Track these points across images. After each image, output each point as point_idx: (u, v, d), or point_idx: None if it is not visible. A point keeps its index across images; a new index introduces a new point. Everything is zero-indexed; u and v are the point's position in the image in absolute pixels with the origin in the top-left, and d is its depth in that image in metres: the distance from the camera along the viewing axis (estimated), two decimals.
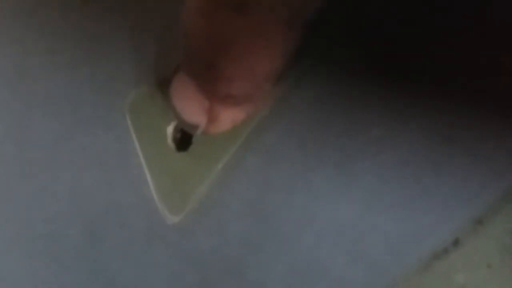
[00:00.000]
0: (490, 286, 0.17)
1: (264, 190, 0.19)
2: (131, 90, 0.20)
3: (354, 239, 0.18)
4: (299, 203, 0.19)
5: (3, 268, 0.20)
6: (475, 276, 0.17)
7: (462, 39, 0.17)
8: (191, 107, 0.17)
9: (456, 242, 0.17)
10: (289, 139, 0.19)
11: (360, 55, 0.18)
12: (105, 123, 0.20)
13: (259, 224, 0.19)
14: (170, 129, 0.20)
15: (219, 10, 0.15)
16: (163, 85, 0.20)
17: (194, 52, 0.16)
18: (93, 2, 0.20)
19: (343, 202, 0.18)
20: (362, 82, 0.18)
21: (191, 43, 0.16)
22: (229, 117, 0.18)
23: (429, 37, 0.17)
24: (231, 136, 0.19)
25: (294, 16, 0.15)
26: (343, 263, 0.18)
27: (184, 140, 0.20)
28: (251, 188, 0.19)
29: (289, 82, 0.19)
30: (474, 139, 0.17)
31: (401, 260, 0.18)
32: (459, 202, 0.17)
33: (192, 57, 0.16)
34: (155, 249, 0.20)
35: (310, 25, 0.16)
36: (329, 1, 0.17)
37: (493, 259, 0.17)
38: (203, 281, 0.19)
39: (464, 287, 0.17)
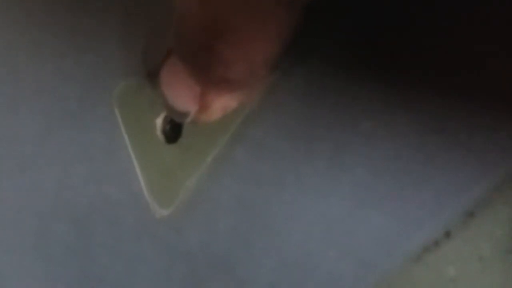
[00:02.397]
0: (481, 278, 0.17)
1: (254, 184, 0.19)
2: (119, 82, 0.20)
3: (344, 233, 0.18)
4: (288, 197, 0.18)
5: None
6: (466, 269, 0.17)
7: (453, 33, 0.17)
8: (181, 93, 0.17)
9: (447, 235, 0.17)
10: (279, 132, 0.18)
11: (349, 47, 0.18)
12: (92, 116, 0.20)
13: (249, 219, 0.19)
14: (159, 121, 0.20)
15: None
16: (151, 76, 0.20)
17: (189, 35, 0.16)
18: None
19: (333, 195, 0.18)
20: (352, 75, 0.18)
21: (186, 25, 0.15)
22: (220, 105, 0.17)
23: (420, 30, 0.17)
24: (220, 128, 0.19)
25: None
26: (333, 257, 0.18)
27: (173, 132, 0.20)
28: (240, 181, 0.19)
29: (278, 75, 0.18)
30: (465, 132, 0.17)
31: (391, 253, 0.18)
32: (450, 194, 0.17)
33: (186, 40, 0.16)
34: (144, 244, 0.20)
35: (307, 11, 0.15)
36: None
37: (484, 252, 0.17)
38: (192, 276, 0.19)
39: (455, 279, 0.17)
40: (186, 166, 0.19)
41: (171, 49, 0.17)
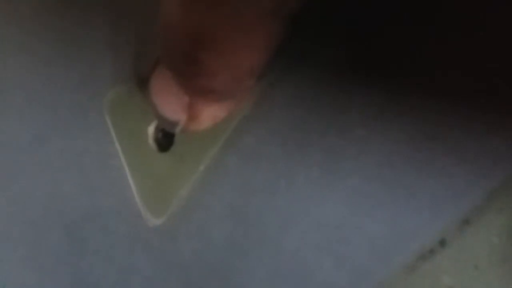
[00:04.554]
0: (477, 287, 0.17)
1: (247, 192, 0.19)
2: (110, 90, 0.20)
3: (339, 241, 0.18)
4: (282, 205, 0.18)
5: None
6: (462, 277, 0.17)
7: (446, 40, 0.17)
8: (170, 103, 0.17)
9: (442, 243, 0.17)
10: (271, 140, 0.18)
11: (342, 54, 0.18)
12: (84, 124, 0.20)
13: (242, 227, 0.19)
14: (151, 129, 0.20)
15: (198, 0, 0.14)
16: (142, 84, 0.19)
17: (173, 45, 0.15)
18: (69, 1, 0.20)
19: (327, 203, 0.18)
20: (344, 82, 0.17)
21: (170, 36, 0.15)
22: (209, 114, 0.17)
23: (413, 37, 0.17)
24: (212, 136, 0.19)
25: (277, 7, 0.14)
26: (327, 266, 0.18)
27: (165, 140, 0.20)
28: (233, 189, 0.19)
29: (271, 81, 0.18)
30: (459, 139, 0.17)
31: (387, 262, 0.18)
32: (445, 202, 0.17)
33: (171, 51, 0.16)
34: (137, 253, 0.19)
35: (294, 19, 0.15)
36: None
37: (480, 260, 0.17)
38: (186, 285, 0.19)
39: None
40: (179, 174, 0.19)
41: (159, 58, 0.17)
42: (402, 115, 0.17)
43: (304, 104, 0.18)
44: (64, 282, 0.20)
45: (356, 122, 0.18)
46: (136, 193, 0.20)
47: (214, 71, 0.15)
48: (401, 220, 0.17)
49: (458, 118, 0.17)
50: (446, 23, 0.17)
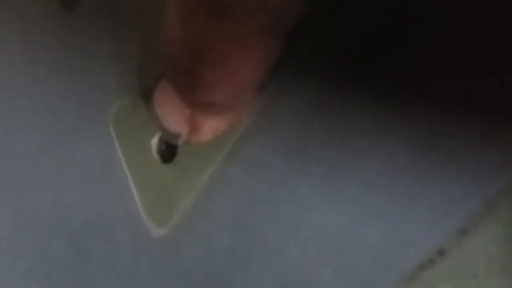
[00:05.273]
0: None
1: (249, 202, 0.19)
2: (115, 101, 0.20)
3: (340, 251, 0.18)
4: (283, 215, 0.18)
5: None
6: (461, 286, 0.17)
7: (448, 50, 0.17)
8: (172, 115, 0.17)
9: (441, 252, 0.17)
10: (273, 150, 0.19)
11: (342, 66, 0.18)
12: (88, 135, 0.20)
13: (245, 237, 0.19)
14: (154, 141, 0.20)
15: (197, 15, 0.14)
16: (146, 96, 0.20)
17: (173, 59, 0.16)
18: (74, 13, 0.20)
19: (328, 213, 0.18)
20: (345, 93, 0.18)
21: (170, 50, 0.16)
22: (210, 127, 0.18)
23: (412, 48, 0.17)
24: (215, 148, 0.19)
25: (276, 22, 0.14)
26: (328, 274, 0.18)
27: (169, 151, 0.20)
28: (236, 200, 0.19)
29: (272, 92, 0.19)
30: (458, 149, 0.17)
31: (386, 271, 0.18)
32: (444, 211, 0.17)
33: (172, 64, 0.16)
34: (140, 263, 0.20)
35: (293, 33, 0.15)
36: (313, 10, 0.17)
37: (479, 269, 0.17)
38: None
39: None
40: (182, 185, 0.19)
41: (162, 71, 0.17)
42: (401, 125, 0.17)
43: (305, 115, 0.18)
44: None
45: (356, 132, 0.18)
46: (139, 204, 0.20)
47: (213, 85, 0.15)
48: (400, 230, 0.17)
49: (456, 129, 0.17)
50: (445, 35, 0.17)
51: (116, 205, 0.20)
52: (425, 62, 0.17)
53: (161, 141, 0.20)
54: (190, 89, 0.16)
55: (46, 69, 0.20)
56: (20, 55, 0.20)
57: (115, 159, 0.20)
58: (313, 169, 0.18)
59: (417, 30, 0.17)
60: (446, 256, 0.17)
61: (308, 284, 0.18)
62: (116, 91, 0.20)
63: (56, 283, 0.20)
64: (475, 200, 0.17)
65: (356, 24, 0.18)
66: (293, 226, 0.18)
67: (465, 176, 0.17)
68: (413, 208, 0.17)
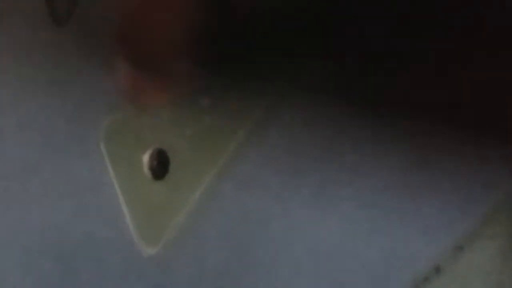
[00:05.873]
0: None
1: (241, 219, 0.18)
2: (105, 117, 0.20)
3: (334, 268, 0.18)
4: (276, 232, 0.18)
5: None
6: None
7: (437, 68, 0.17)
8: (123, 78, 0.19)
9: (437, 270, 0.17)
10: (266, 167, 0.18)
11: (335, 82, 0.18)
12: (78, 152, 0.20)
13: (237, 255, 0.19)
14: (146, 157, 0.20)
15: None
16: (137, 112, 0.20)
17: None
18: (65, 29, 0.20)
19: (321, 230, 0.18)
20: (338, 109, 0.18)
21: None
22: (148, 88, 0.19)
23: (405, 64, 0.17)
24: (208, 164, 0.19)
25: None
26: None
27: (160, 168, 0.20)
28: (228, 217, 0.19)
29: (263, 109, 0.18)
30: (452, 165, 0.17)
31: None
32: (439, 227, 0.17)
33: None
34: (131, 282, 0.19)
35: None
36: (302, 28, 0.17)
37: (475, 286, 0.17)
38: None
39: None
40: (173, 203, 0.19)
41: None
42: (394, 142, 0.17)
43: (297, 132, 0.18)
44: None
45: (349, 148, 0.18)
46: (130, 222, 0.19)
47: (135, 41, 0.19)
48: (396, 246, 0.17)
49: (450, 145, 0.17)
50: (442, 46, 0.17)
51: (106, 223, 0.20)
52: (416, 79, 0.17)
53: (153, 157, 0.20)
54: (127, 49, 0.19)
55: (36, 86, 0.20)
56: (10, 72, 0.20)
57: (105, 176, 0.20)
58: (305, 186, 0.18)
59: (408, 47, 0.17)
60: (442, 273, 0.17)
61: None
62: (106, 107, 0.20)
63: None
64: (470, 216, 0.17)
65: (347, 41, 0.18)
66: (286, 244, 0.18)
67: (459, 193, 0.17)
68: (408, 225, 0.17)
